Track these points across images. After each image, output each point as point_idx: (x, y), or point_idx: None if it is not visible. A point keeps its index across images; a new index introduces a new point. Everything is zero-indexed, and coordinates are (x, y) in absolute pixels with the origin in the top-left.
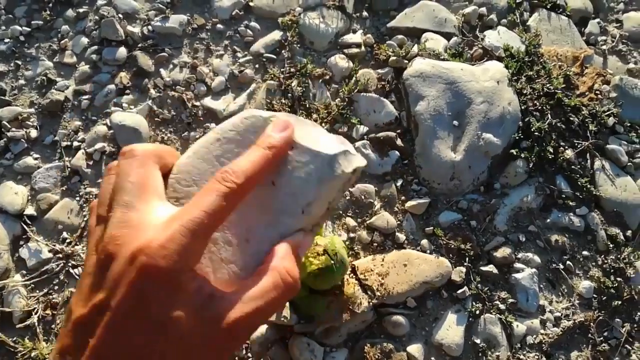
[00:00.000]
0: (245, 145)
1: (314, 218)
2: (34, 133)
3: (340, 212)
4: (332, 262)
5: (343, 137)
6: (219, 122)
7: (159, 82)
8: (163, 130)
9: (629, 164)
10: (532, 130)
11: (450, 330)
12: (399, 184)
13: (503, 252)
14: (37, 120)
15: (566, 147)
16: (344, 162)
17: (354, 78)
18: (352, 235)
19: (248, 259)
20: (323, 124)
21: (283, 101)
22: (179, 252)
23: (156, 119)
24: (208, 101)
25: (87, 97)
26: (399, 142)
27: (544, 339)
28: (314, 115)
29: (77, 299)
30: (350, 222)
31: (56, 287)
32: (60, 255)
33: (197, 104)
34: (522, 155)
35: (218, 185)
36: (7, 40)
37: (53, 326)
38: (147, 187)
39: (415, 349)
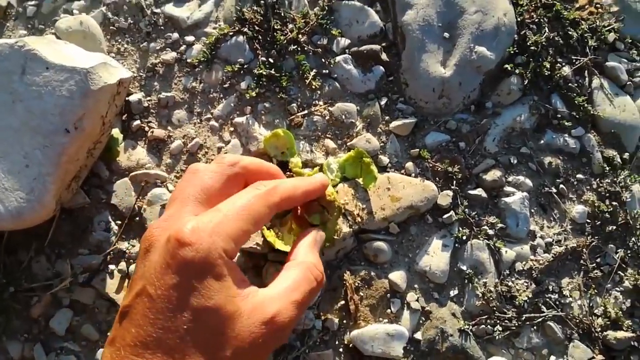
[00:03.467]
0: None
1: (92, 135)
2: None
3: (319, 133)
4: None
5: (103, 54)
6: (182, 32)
7: None
8: (119, 40)
9: (628, 83)
10: (528, 44)
11: (435, 257)
12: (383, 102)
13: (493, 175)
14: None
15: (563, 63)
16: (105, 74)
17: None
18: (331, 157)
19: (32, 183)
20: (300, 36)
21: (255, 9)
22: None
23: (111, 27)
24: (170, 8)
25: (33, 3)
26: (383, 56)
27: (533, 265)
28: (290, 25)
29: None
30: (330, 143)
31: None
32: None
33: (158, 11)
34: (517, 71)
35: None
36: None
37: None
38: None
39: (397, 276)
